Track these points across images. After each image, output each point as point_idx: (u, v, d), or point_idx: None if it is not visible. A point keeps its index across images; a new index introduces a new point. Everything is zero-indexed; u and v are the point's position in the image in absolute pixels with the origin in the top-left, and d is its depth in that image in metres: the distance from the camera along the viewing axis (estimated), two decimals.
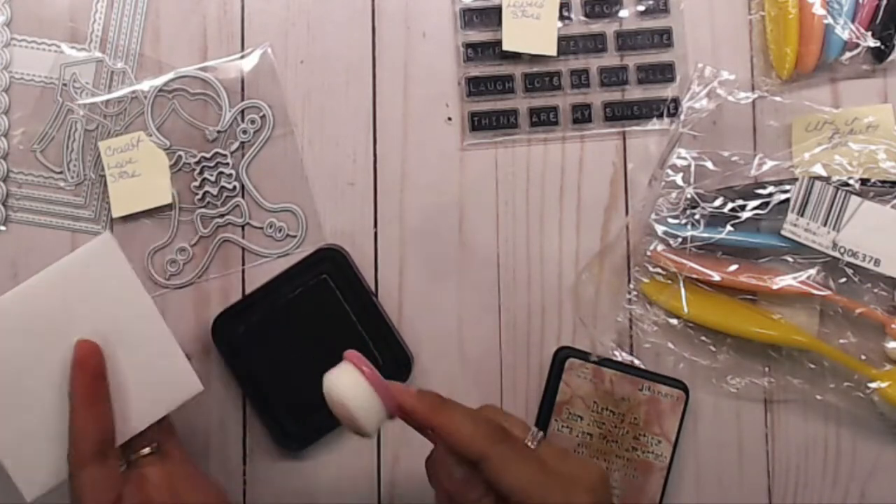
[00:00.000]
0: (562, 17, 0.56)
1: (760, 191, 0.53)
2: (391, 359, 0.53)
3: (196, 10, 0.56)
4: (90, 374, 0.44)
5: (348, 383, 0.41)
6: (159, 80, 0.55)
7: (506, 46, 0.55)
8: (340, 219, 0.55)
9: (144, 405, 0.46)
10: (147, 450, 0.47)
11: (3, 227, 0.55)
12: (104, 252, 0.45)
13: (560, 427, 0.53)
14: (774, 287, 0.52)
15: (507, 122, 0.56)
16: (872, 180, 0.52)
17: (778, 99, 0.55)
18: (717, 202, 0.53)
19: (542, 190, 0.56)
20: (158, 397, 0.46)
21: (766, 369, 0.54)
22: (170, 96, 0.55)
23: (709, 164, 0.54)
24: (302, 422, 0.53)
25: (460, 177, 0.56)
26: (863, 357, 0.53)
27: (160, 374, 0.46)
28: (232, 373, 0.54)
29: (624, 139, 0.56)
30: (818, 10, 0.53)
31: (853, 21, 0.54)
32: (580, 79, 0.56)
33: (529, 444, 0.41)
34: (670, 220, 0.53)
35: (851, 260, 0.51)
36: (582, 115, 0.56)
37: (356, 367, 0.41)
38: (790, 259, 0.53)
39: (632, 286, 0.55)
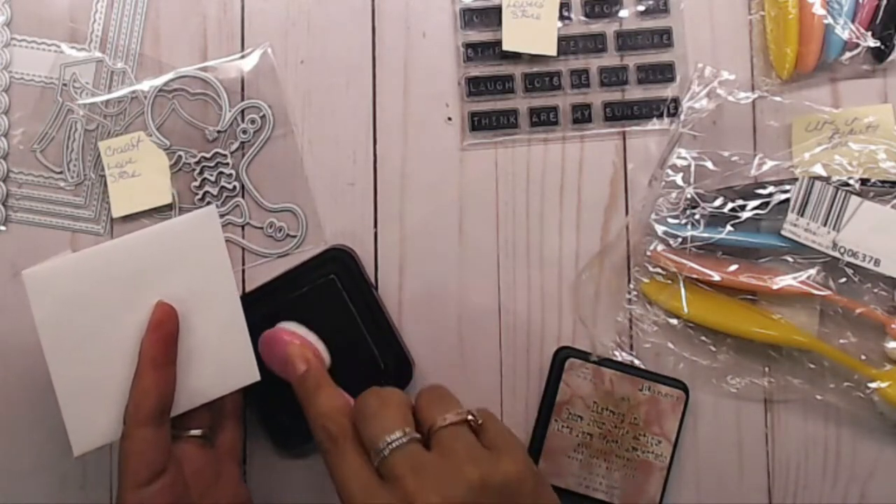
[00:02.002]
0: (562, 17, 0.56)
1: (760, 191, 0.53)
2: (393, 362, 0.53)
3: (196, 10, 0.56)
4: (164, 336, 0.45)
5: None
6: (159, 80, 0.55)
7: (506, 46, 0.55)
8: (340, 219, 0.55)
9: (203, 382, 0.47)
10: (198, 431, 0.48)
11: (3, 227, 0.55)
12: (205, 224, 0.46)
13: (560, 427, 0.53)
14: (774, 287, 0.52)
15: (507, 122, 0.56)
16: (872, 180, 0.52)
17: (778, 99, 0.55)
18: (717, 202, 0.53)
19: (542, 190, 0.56)
20: (218, 378, 0.47)
21: (766, 369, 0.54)
22: (170, 96, 0.55)
23: (709, 164, 0.54)
24: (300, 421, 0.53)
25: (460, 177, 0.56)
26: (863, 357, 0.53)
27: (225, 355, 0.47)
28: None
29: (624, 139, 0.56)
30: (818, 10, 0.53)
31: (853, 21, 0.54)
32: (580, 79, 0.56)
33: (385, 450, 0.40)
34: (670, 220, 0.53)
35: (851, 260, 0.51)
36: (582, 115, 0.56)
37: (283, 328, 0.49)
38: (790, 259, 0.53)
39: (632, 286, 0.55)
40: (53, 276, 0.44)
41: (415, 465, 0.39)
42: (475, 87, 0.56)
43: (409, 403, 0.43)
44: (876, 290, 0.53)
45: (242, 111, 0.56)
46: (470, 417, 0.42)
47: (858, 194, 0.51)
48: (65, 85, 0.55)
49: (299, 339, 0.49)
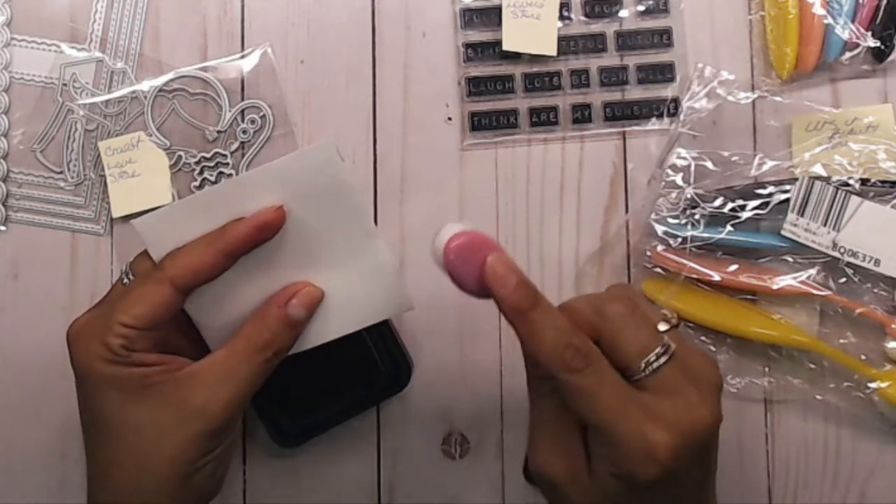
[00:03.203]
0: (562, 17, 0.56)
1: (760, 191, 0.53)
2: (391, 363, 0.53)
3: (196, 10, 0.56)
4: (248, 233, 0.41)
5: (439, 242, 0.39)
6: (159, 80, 0.55)
7: (506, 46, 0.55)
8: None
9: (349, 313, 0.45)
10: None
11: (3, 227, 0.55)
12: (324, 157, 0.42)
13: None
14: (774, 287, 0.52)
15: (507, 122, 0.56)
16: (872, 180, 0.52)
17: (778, 99, 0.55)
18: (717, 202, 0.53)
19: (542, 190, 0.56)
20: (365, 308, 0.45)
21: (766, 369, 0.54)
22: (170, 96, 0.55)
23: (709, 164, 0.54)
24: (299, 420, 0.53)
25: (460, 177, 0.56)
26: (863, 357, 0.52)
27: (367, 285, 0.45)
28: None
29: (624, 139, 0.56)
30: (818, 10, 0.53)
31: (853, 21, 0.54)
32: (580, 79, 0.56)
33: (639, 374, 0.37)
34: (670, 220, 0.53)
35: (851, 260, 0.51)
36: (582, 115, 0.56)
37: (458, 232, 0.38)
38: (790, 259, 0.53)
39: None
40: (166, 220, 0.42)
41: (685, 377, 0.37)
42: (475, 87, 0.56)
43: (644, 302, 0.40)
44: (876, 290, 0.53)
45: (242, 111, 0.56)
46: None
47: (858, 194, 0.51)
48: (65, 85, 0.55)
49: (493, 243, 0.39)
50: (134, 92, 0.55)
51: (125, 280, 0.43)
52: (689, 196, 0.53)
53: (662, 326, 0.39)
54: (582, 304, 0.39)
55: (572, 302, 0.40)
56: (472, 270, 0.38)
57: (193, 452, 0.40)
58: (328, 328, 0.45)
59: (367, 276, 0.45)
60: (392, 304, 0.46)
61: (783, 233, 0.52)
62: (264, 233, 0.41)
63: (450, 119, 0.56)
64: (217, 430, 0.41)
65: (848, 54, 0.54)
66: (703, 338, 0.54)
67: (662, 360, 0.37)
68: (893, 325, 0.52)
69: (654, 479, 0.36)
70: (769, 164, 0.54)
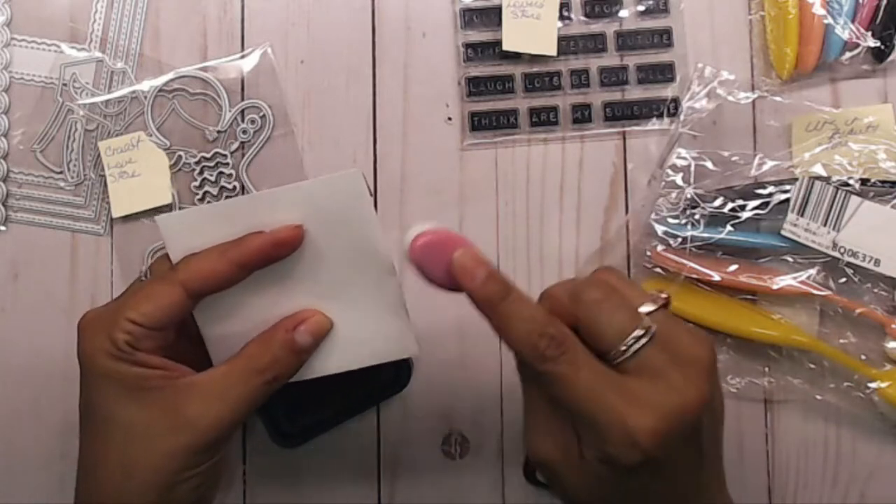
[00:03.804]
0: (562, 17, 0.56)
1: (760, 191, 0.53)
2: (391, 364, 0.53)
3: (196, 10, 0.56)
4: (265, 248, 0.40)
5: (405, 242, 0.40)
6: (159, 80, 0.55)
7: (506, 46, 0.55)
8: None
9: (351, 350, 0.44)
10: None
11: (3, 227, 0.55)
12: (350, 187, 0.41)
13: None
14: (774, 287, 0.52)
15: (507, 122, 0.56)
16: (872, 180, 0.52)
17: (778, 99, 0.55)
18: (717, 202, 0.53)
19: (542, 190, 0.56)
20: (370, 346, 0.44)
21: (766, 369, 0.54)
22: (170, 96, 0.55)
23: (709, 164, 0.54)
24: (299, 420, 0.53)
25: (460, 177, 0.56)
26: (863, 357, 0.52)
27: (376, 323, 0.43)
28: None
29: (624, 139, 0.56)
30: (818, 10, 0.53)
31: (853, 21, 0.54)
32: (580, 79, 0.56)
33: (619, 357, 0.37)
34: (670, 220, 0.53)
35: (851, 260, 0.51)
36: (582, 115, 0.56)
37: (423, 231, 0.39)
38: (790, 259, 0.53)
39: None
40: (187, 221, 0.42)
41: (669, 358, 0.37)
42: (475, 87, 0.56)
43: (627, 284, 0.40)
44: (876, 290, 0.53)
45: (242, 111, 0.56)
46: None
47: (858, 194, 0.51)
48: (65, 85, 0.55)
49: (461, 239, 0.40)
50: (134, 92, 0.55)
51: (142, 279, 0.42)
52: (689, 196, 0.53)
53: (649, 307, 0.38)
54: (559, 291, 0.39)
55: (551, 289, 0.40)
56: (440, 266, 0.39)
57: (178, 464, 0.39)
58: (330, 362, 0.44)
59: (378, 315, 0.43)
60: (398, 347, 0.44)
61: (783, 233, 0.52)
62: (280, 249, 0.41)
63: (450, 119, 0.56)
64: (205, 446, 0.40)
65: (848, 54, 0.54)
66: None
67: (642, 341, 0.37)
68: (893, 325, 0.52)
69: (637, 464, 0.35)
70: (769, 164, 0.54)
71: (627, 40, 0.56)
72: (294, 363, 0.42)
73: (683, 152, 0.54)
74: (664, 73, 0.56)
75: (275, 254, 0.41)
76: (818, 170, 0.53)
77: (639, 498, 0.37)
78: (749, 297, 0.54)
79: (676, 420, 0.36)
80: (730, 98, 0.55)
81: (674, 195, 0.54)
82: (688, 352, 0.37)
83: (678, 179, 0.54)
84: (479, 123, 0.56)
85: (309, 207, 0.41)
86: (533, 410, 0.40)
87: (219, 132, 0.55)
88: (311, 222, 0.41)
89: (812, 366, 0.53)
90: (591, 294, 0.38)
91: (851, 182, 0.52)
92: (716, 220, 0.53)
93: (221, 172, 0.55)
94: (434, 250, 0.39)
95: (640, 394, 0.36)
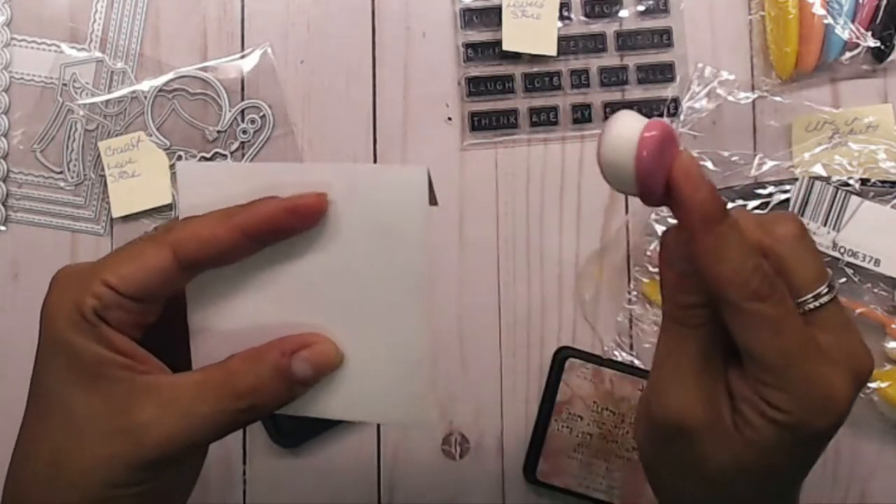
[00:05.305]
0: (562, 17, 0.56)
1: (760, 191, 0.53)
2: None
3: (196, 10, 0.56)
4: (275, 216, 0.32)
5: (629, 132, 0.30)
6: (159, 80, 0.55)
7: (506, 46, 0.55)
8: None
9: (360, 398, 0.35)
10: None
11: (3, 227, 0.55)
12: (409, 185, 0.33)
13: (560, 427, 0.53)
14: None
15: (507, 122, 0.56)
16: (872, 180, 0.52)
17: (778, 99, 0.55)
18: None
19: (542, 190, 0.56)
20: (380, 401, 0.35)
21: None
22: (170, 96, 0.55)
23: (709, 164, 0.54)
24: (299, 420, 0.53)
25: (460, 177, 0.56)
26: None
27: (395, 368, 0.35)
28: None
29: None
30: (818, 10, 0.53)
31: (853, 21, 0.54)
32: (580, 79, 0.56)
33: (810, 304, 0.32)
34: (670, 220, 0.53)
35: (851, 260, 0.51)
36: (582, 115, 0.56)
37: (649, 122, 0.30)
38: None
39: (632, 286, 0.55)
40: (209, 175, 0.35)
41: (844, 320, 0.33)
42: (475, 87, 0.56)
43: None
44: (876, 290, 0.53)
45: (242, 111, 0.56)
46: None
47: (858, 194, 0.51)
48: (65, 85, 0.55)
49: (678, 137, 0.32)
50: (134, 92, 0.55)
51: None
52: None
53: None
54: (746, 220, 0.33)
55: (736, 214, 0.32)
56: (661, 171, 0.31)
57: (112, 475, 0.32)
58: (329, 404, 0.35)
59: (397, 367, 0.35)
60: (412, 413, 0.35)
61: None
62: (296, 220, 0.32)
63: (450, 119, 0.56)
64: (147, 462, 0.32)
65: (848, 54, 0.54)
66: None
67: (833, 293, 0.32)
68: (893, 325, 0.52)
69: (828, 429, 0.31)
70: (769, 164, 0.54)
71: (627, 40, 0.56)
72: (282, 396, 0.34)
73: None
74: (664, 73, 0.56)
75: (289, 224, 0.32)
76: (818, 170, 0.53)
77: (797, 469, 0.34)
78: None
79: (861, 383, 0.32)
80: (730, 98, 0.55)
81: None
82: (849, 319, 0.33)
83: None
84: (479, 123, 0.56)
85: (353, 195, 0.33)
86: (679, 365, 0.33)
87: (219, 132, 0.55)
88: (350, 216, 0.33)
89: None
90: (788, 228, 0.33)
91: (851, 182, 0.52)
92: None
93: None
94: (663, 147, 0.30)
95: (831, 352, 0.31)
